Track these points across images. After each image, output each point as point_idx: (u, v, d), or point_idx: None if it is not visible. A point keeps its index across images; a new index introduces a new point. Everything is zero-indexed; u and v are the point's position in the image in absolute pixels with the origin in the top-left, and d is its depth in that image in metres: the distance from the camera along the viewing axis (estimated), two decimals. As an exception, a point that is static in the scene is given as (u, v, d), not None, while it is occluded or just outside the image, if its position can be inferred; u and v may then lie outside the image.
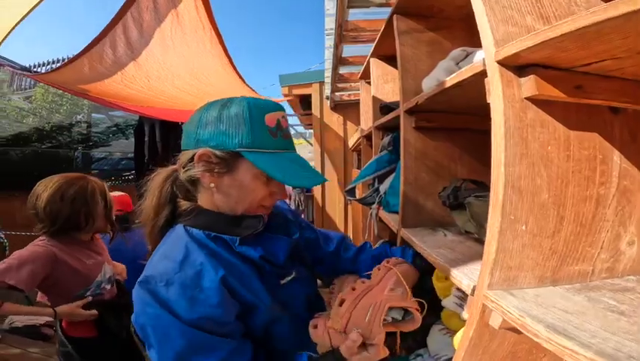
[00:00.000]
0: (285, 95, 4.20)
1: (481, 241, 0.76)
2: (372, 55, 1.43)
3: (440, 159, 0.92)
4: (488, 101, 0.48)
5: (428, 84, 0.82)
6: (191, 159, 0.64)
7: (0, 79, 4.72)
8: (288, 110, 5.77)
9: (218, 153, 0.61)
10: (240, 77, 2.79)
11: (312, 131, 6.86)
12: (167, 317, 0.55)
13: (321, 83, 4.08)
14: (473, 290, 0.51)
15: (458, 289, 0.69)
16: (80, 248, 1.25)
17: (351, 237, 3.76)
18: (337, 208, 3.81)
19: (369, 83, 1.81)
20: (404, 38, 0.95)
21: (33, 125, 5.08)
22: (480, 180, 0.86)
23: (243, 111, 0.61)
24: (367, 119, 1.68)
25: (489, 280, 0.46)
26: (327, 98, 3.90)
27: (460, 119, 0.90)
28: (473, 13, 0.48)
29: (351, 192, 1.53)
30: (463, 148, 0.93)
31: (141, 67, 2.20)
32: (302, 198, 6.74)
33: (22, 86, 6.47)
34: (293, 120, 5.58)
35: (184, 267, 0.58)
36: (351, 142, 3.35)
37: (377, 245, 1.39)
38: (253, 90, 3.68)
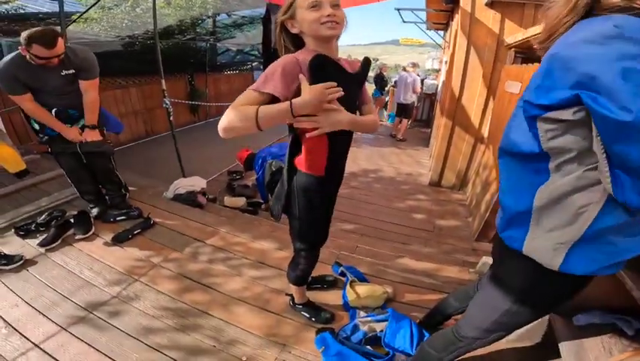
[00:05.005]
0: (431, -13, 3.86)
1: None
2: None
3: None
4: None
5: None
6: None
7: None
8: (419, 3, 5.31)
9: None
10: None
11: (434, 32, 6.34)
12: None
13: (474, -25, 3.60)
14: None
15: None
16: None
17: (486, 135, 3.75)
18: (476, 102, 3.81)
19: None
20: None
21: (175, 20, 5.61)
22: None
23: None
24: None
25: None
26: (485, -9, 3.48)
27: None
28: None
29: None
30: None
31: None
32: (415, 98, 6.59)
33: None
34: (419, 16, 5.18)
35: None
36: (511, 39, 3.10)
37: None
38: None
